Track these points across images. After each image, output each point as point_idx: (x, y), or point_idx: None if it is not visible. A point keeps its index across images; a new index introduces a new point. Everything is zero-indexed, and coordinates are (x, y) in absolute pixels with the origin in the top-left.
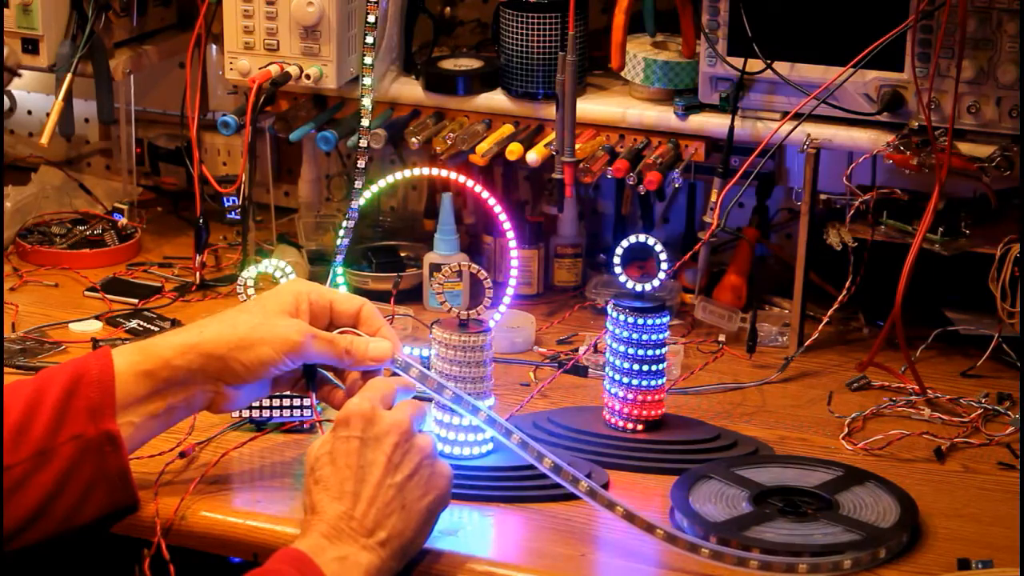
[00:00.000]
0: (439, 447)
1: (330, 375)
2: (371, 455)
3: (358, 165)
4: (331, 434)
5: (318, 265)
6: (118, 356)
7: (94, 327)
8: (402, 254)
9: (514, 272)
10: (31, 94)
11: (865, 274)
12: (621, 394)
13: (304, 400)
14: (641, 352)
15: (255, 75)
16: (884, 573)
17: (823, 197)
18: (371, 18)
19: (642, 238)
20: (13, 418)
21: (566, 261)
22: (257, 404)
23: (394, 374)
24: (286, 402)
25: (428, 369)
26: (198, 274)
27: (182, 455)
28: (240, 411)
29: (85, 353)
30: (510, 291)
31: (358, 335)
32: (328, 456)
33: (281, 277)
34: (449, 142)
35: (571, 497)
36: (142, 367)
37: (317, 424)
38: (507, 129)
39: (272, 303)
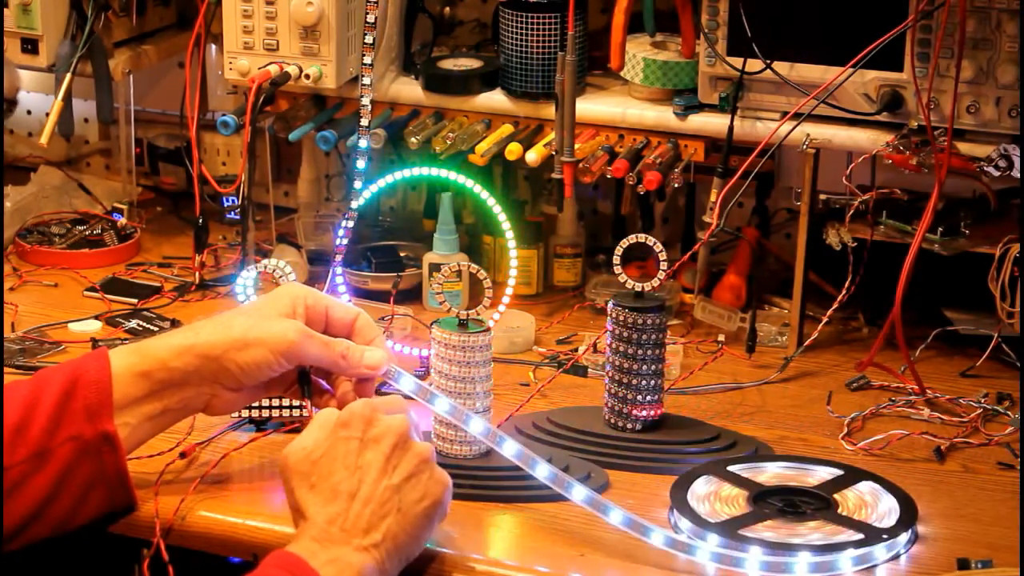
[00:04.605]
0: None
1: (323, 382)
2: (369, 456)
3: (357, 165)
4: (328, 435)
5: (317, 265)
6: (115, 357)
7: (94, 327)
8: (402, 254)
9: (513, 272)
10: (30, 94)
11: (865, 274)
12: (621, 394)
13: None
14: (640, 352)
15: (255, 75)
16: (884, 573)
17: (823, 197)
18: (370, 18)
19: (642, 238)
20: (11, 419)
21: (566, 261)
22: (256, 404)
23: (384, 384)
24: (285, 402)
25: (425, 373)
26: (197, 274)
27: (182, 455)
28: (239, 411)
29: (82, 354)
30: (509, 291)
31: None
32: (326, 458)
33: (280, 277)
34: (449, 142)
35: None
36: (139, 368)
37: None
38: (506, 129)
39: (269, 306)
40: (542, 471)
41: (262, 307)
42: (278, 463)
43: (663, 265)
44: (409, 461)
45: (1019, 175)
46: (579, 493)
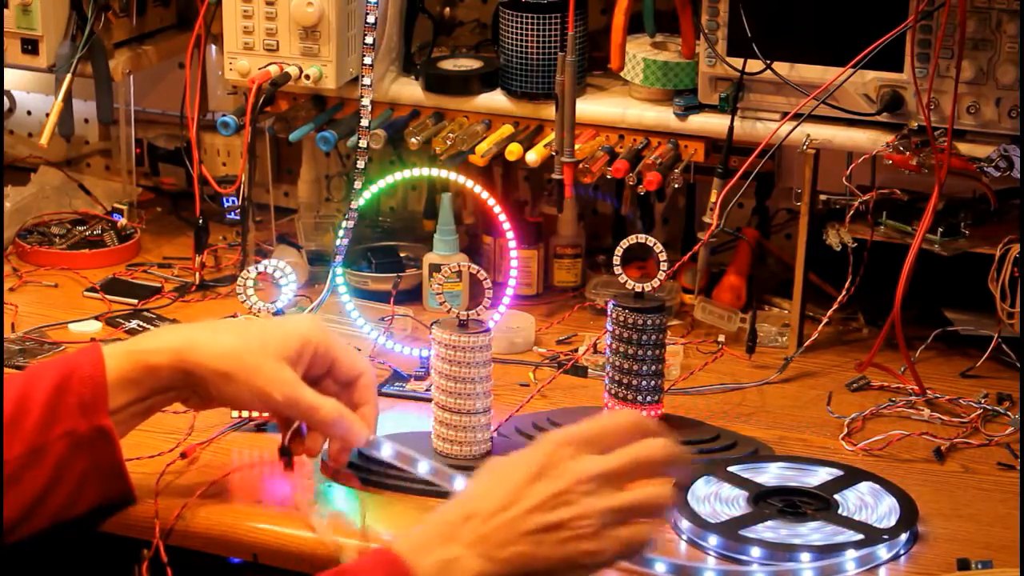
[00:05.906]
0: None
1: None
2: (539, 487)
3: (357, 165)
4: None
5: (317, 265)
6: (107, 351)
7: (94, 327)
8: (402, 254)
9: (514, 272)
10: (31, 94)
11: (865, 274)
12: (620, 394)
13: None
14: (640, 352)
15: (255, 75)
16: (884, 573)
17: (823, 197)
18: (370, 18)
19: (642, 238)
20: (4, 415)
21: (566, 261)
22: None
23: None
24: None
25: (425, 374)
26: (198, 274)
27: (183, 456)
28: (240, 412)
29: (75, 350)
30: (509, 291)
31: None
32: (507, 460)
33: (280, 278)
34: (449, 142)
35: None
36: (129, 375)
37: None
38: (507, 129)
39: (276, 343)
40: None
41: (269, 340)
42: None
43: (663, 265)
44: (566, 512)
45: (1019, 175)
46: None
